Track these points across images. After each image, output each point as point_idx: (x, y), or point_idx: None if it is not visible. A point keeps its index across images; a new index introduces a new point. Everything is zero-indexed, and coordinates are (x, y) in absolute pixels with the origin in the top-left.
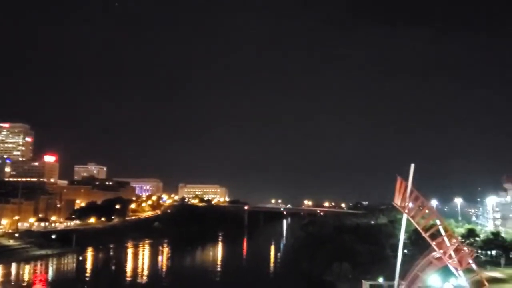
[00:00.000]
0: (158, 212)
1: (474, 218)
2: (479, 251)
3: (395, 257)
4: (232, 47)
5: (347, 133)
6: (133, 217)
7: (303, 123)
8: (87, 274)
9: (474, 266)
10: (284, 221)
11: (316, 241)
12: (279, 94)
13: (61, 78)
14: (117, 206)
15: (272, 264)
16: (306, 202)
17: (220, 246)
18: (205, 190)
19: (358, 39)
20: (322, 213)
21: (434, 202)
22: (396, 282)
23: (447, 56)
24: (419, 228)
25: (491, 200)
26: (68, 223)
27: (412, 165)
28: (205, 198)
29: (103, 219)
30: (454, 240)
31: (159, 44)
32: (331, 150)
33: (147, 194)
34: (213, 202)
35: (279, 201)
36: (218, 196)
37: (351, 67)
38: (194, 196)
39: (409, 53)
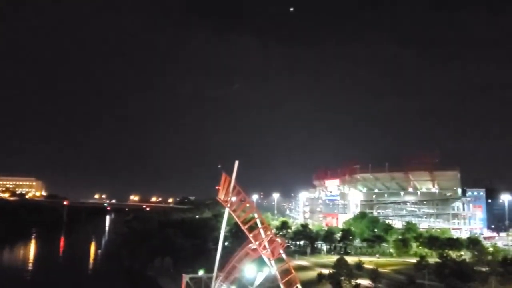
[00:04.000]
0: None
1: (288, 212)
2: (290, 242)
3: (217, 250)
4: None
5: (174, 128)
6: None
7: (132, 119)
8: None
9: (284, 256)
10: (108, 217)
11: (140, 236)
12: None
13: None
14: None
15: (91, 261)
16: (132, 197)
17: (33, 244)
18: (18, 183)
19: None
20: (148, 208)
21: (255, 197)
22: (214, 274)
23: None
24: (238, 222)
25: (303, 196)
26: None
27: (237, 162)
28: (18, 192)
29: None
30: (269, 232)
31: None
32: (157, 144)
33: None
34: (27, 197)
35: (103, 196)
36: (33, 190)
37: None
38: (4, 189)
39: None
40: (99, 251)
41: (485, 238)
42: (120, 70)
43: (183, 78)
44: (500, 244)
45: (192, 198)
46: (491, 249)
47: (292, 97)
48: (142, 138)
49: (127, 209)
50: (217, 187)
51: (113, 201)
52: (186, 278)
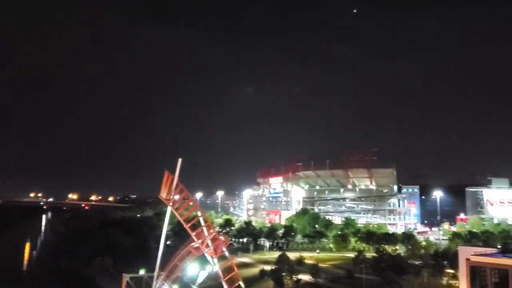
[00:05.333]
0: None
1: (232, 209)
2: (233, 239)
3: (158, 248)
4: None
5: (116, 126)
6: None
7: (70, 115)
8: None
9: (227, 253)
10: (44, 216)
11: (79, 236)
12: None
13: None
14: None
15: (26, 262)
16: (70, 195)
17: None
18: None
19: None
20: (87, 207)
21: (198, 195)
22: (156, 273)
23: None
24: (181, 220)
25: (247, 193)
26: None
27: (180, 160)
28: None
29: None
30: (212, 230)
31: None
32: (98, 142)
33: None
34: None
35: (39, 194)
36: None
37: None
38: None
39: None
40: (35, 251)
41: (418, 233)
42: (59, 68)
43: (130, 74)
44: (432, 238)
45: (134, 196)
46: (424, 243)
47: (237, 95)
48: (82, 136)
49: (65, 208)
50: (162, 187)
51: (50, 199)
52: (126, 277)
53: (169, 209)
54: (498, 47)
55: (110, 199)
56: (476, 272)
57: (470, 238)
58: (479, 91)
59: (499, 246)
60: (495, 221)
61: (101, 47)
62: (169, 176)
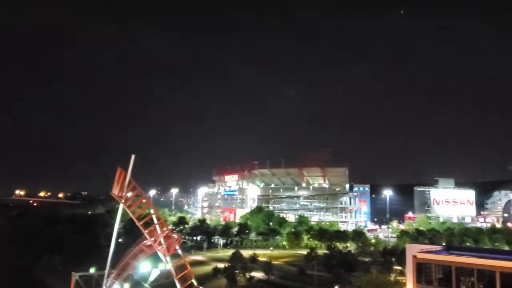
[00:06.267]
0: None
1: (186, 207)
2: (187, 237)
3: (109, 246)
4: None
5: (68, 121)
6: None
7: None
8: None
9: (180, 251)
10: None
11: (26, 233)
12: None
13: None
14: None
15: None
16: (17, 191)
17: None
18: None
19: None
20: (36, 204)
21: (152, 192)
22: (106, 272)
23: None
24: (133, 218)
25: (202, 191)
26: None
27: (133, 156)
28: None
29: None
30: (165, 228)
31: None
32: (48, 138)
33: None
34: None
35: None
36: None
37: None
38: None
39: None
40: None
41: (368, 231)
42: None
43: (84, 68)
44: (381, 236)
45: (85, 193)
46: (373, 240)
47: (194, 93)
48: (31, 131)
49: (11, 204)
50: (114, 184)
51: None
52: (75, 276)
53: (121, 207)
54: (448, 53)
55: (60, 195)
56: (422, 268)
57: (417, 236)
58: (429, 97)
59: (444, 244)
60: (441, 219)
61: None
62: (122, 173)
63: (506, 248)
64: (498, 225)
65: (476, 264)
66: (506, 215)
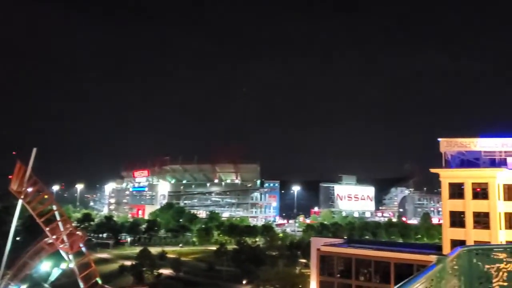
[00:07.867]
0: None
1: (92, 204)
2: (92, 235)
3: (5, 245)
4: None
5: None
6: None
7: None
8: None
9: (84, 249)
10: None
11: None
12: None
13: None
14: None
15: None
16: None
17: None
18: None
19: None
20: None
21: (55, 188)
22: (1, 272)
23: None
24: (33, 214)
25: (109, 187)
26: None
27: (34, 150)
28: None
29: None
30: (68, 225)
31: None
32: None
33: None
34: None
35: None
36: None
37: None
38: None
39: None
40: None
41: (277, 225)
42: None
43: None
44: (289, 230)
45: None
46: (281, 235)
47: (105, 83)
48: None
49: None
50: (10, 177)
51: None
52: None
53: (20, 203)
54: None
55: None
56: (325, 261)
57: (322, 230)
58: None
59: (345, 237)
60: (344, 214)
61: None
62: (21, 167)
63: (401, 240)
64: (394, 219)
65: (374, 256)
66: (401, 210)
